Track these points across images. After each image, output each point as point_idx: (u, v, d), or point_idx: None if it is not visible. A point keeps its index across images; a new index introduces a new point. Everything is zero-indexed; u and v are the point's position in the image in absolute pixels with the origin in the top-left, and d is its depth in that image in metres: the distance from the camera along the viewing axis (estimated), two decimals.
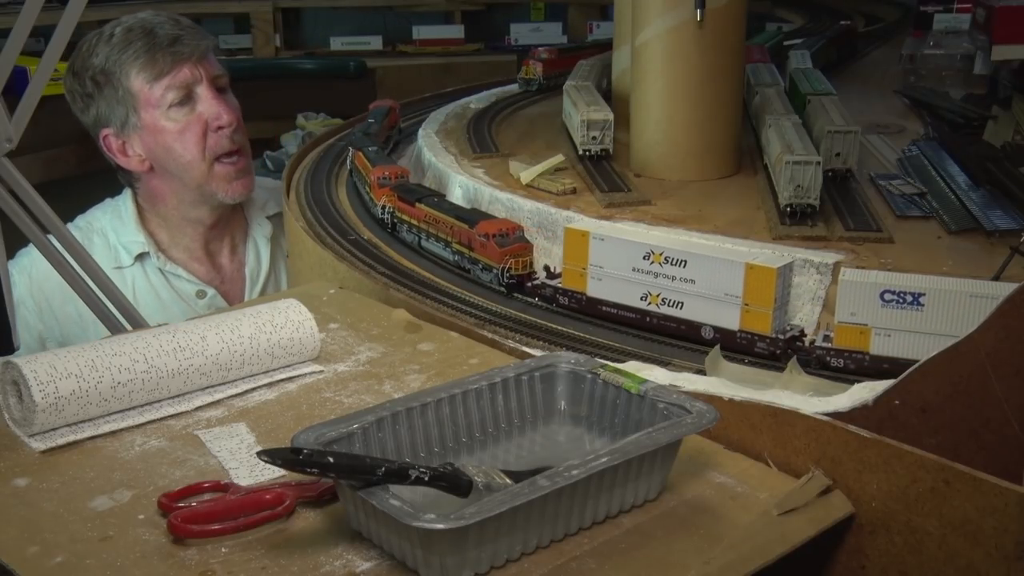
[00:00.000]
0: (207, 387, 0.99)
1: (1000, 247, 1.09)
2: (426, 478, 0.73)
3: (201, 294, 1.78)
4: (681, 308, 1.07)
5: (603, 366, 0.90)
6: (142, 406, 0.95)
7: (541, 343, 1.06)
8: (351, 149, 1.59)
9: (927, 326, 0.94)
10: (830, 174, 1.30)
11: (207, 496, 0.81)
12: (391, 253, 1.34)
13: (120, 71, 1.67)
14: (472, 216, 1.25)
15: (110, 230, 1.78)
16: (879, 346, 0.96)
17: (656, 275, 1.08)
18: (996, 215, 1.19)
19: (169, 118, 1.68)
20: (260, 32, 3.66)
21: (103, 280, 1.34)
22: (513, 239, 1.20)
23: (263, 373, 1.02)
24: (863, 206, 1.24)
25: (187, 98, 1.68)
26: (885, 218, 1.22)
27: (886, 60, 2.36)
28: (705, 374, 0.97)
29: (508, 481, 0.75)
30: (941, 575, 0.79)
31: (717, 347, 1.01)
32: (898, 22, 2.85)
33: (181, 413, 0.95)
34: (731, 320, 1.04)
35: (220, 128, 1.69)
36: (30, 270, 1.70)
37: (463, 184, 1.41)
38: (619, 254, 1.11)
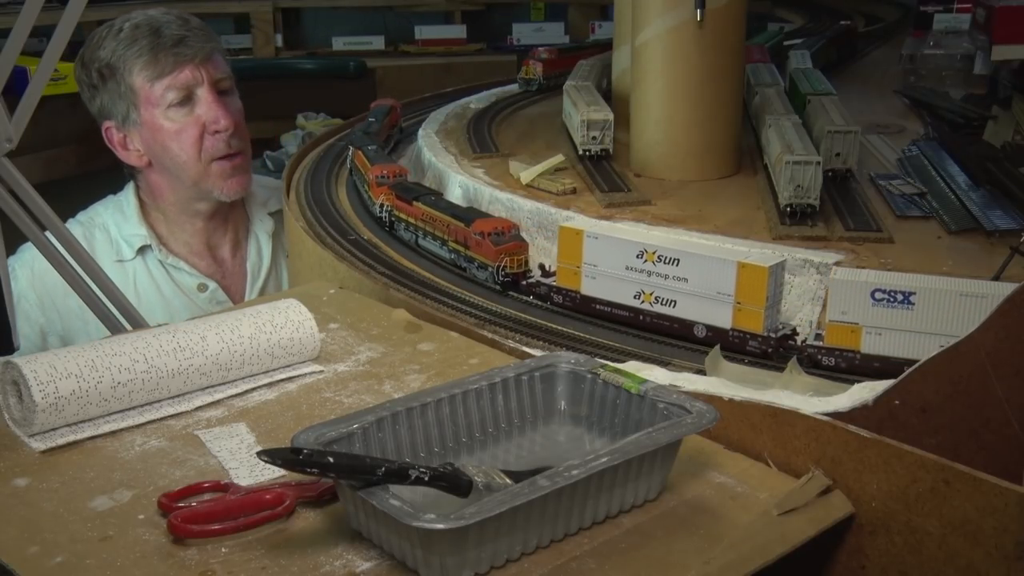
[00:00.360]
0: (207, 387, 0.99)
1: (1000, 247, 1.09)
2: (426, 478, 0.73)
3: (202, 287, 1.79)
4: (674, 307, 1.08)
5: (603, 366, 0.90)
6: (142, 406, 0.95)
7: (541, 343, 1.06)
8: (351, 148, 1.59)
9: (918, 325, 0.95)
10: (830, 174, 1.30)
11: (207, 496, 0.81)
12: (391, 253, 1.34)
13: (124, 67, 1.68)
14: (468, 215, 1.25)
15: (112, 224, 1.80)
16: (870, 345, 0.97)
17: (649, 273, 1.09)
18: (996, 215, 1.19)
19: (168, 118, 1.69)
20: (260, 32, 3.66)
21: (103, 279, 1.34)
22: (508, 237, 1.20)
23: (263, 373, 1.02)
24: (863, 206, 1.24)
25: (187, 99, 1.69)
26: (885, 218, 1.22)
27: (886, 60, 2.36)
28: (705, 374, 0.97)
29: (508, 481, 0.75)
30: (941, 575, 0.79)
31: (717, 347, 1.01)
32: (898, 22, 2.85)
33: (181, 413, 0.95)
34: (723, 319, 1.04)
35: (217, 132, 1.70)
36: (32, 264, 1.71)
37: (463, 184, 1.41)
38: (613, 252, 1.11)
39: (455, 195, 1.41)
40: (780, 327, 1.04)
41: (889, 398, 0.85)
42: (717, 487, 0.84)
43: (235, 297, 1.82)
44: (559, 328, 1.12)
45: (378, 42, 3.77)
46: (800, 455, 0.85)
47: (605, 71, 1.74)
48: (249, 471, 0.85)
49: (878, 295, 0.95)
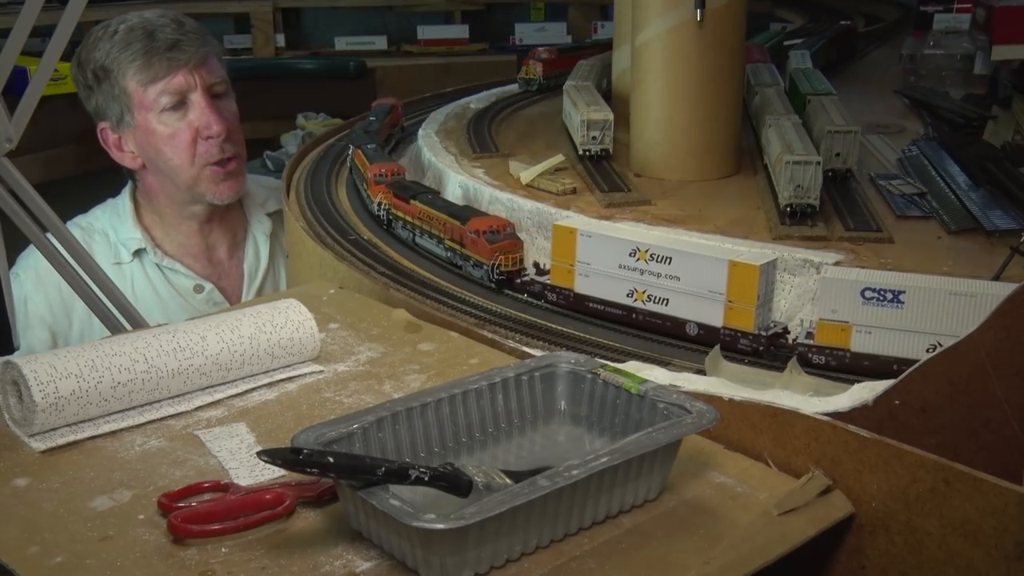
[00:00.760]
0: (207, 387, 0.99)
1: (1000, 247, 1.09)
2: (426, 478, 0.73)
3: (199, 288, 1.79)
4: (666, 305, 1.08)
5: (603, 366, 0.90)
6: (142, 406, 0.95)
7: (541, 343, 1.07)
8: (351, 146, 1.60)
9: (907, 324, 0.95)
10: (830, 174, 1.30)
11: (207, 496, 0.81)
12: (391, 253, 1.34)
13: (118, 69, 1.68)
14: (464, 213, 1.26)
15: (109, 228, 1.80)
16: (860, 343, 0.97)
17: (642, 272, 1.09)
18: (996, 215, 1.19)
19: (161, 122, 1.69)
20: (260, 32, 3.66)
21: (103, 280, 1.34)
22: (503, 236, 1.21)
23: (263, 373, 1.02)
24: (863, 206, 1.24)
25: (180, 104, 1.69)
26: (885, 218, 1.22)
27: (886, 60, 2.36)
28: (705, 374, 0.97)
29: (508, 481, 0.75)
30: (941, 575, 0.79)
31: (717, 347, 1.01)
32: (898, 22, 2.85)
33: (181, 413, 0.95)
34: (715, 317, 1.05)
35: (210, 137, 1.70)
36: (36, 267, 1.71)
37: (463, 184, 1.41)
38: (606, 251, 1.12)
39: (455, 195, 1.41)
40: (771, 325, 1.05)
41: (889, 398, 0.85)
42: (717, 487, 0.84)
43: (232, 298, 1.82)
44: (559, 328, 1.12)
45: (381, 42, 3.77)
46: (800, 455, 0.85)
47: (605, 71, 1.74)
48: (249, 471, 0.85)
49: (868, 294, 0.96)
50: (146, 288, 1.77)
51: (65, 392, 0.89)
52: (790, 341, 1.03)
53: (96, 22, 1.77)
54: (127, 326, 1.37)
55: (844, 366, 0.98)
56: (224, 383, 1.00)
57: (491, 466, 0.78)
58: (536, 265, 1.23)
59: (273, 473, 0.84)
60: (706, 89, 1.34)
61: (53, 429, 0.90)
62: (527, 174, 1.38)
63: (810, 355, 0.99)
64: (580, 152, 1.45)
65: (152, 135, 1.70)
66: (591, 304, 1.14)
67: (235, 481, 0.83)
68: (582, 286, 1.14)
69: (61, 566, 0.73)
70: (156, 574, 0.72)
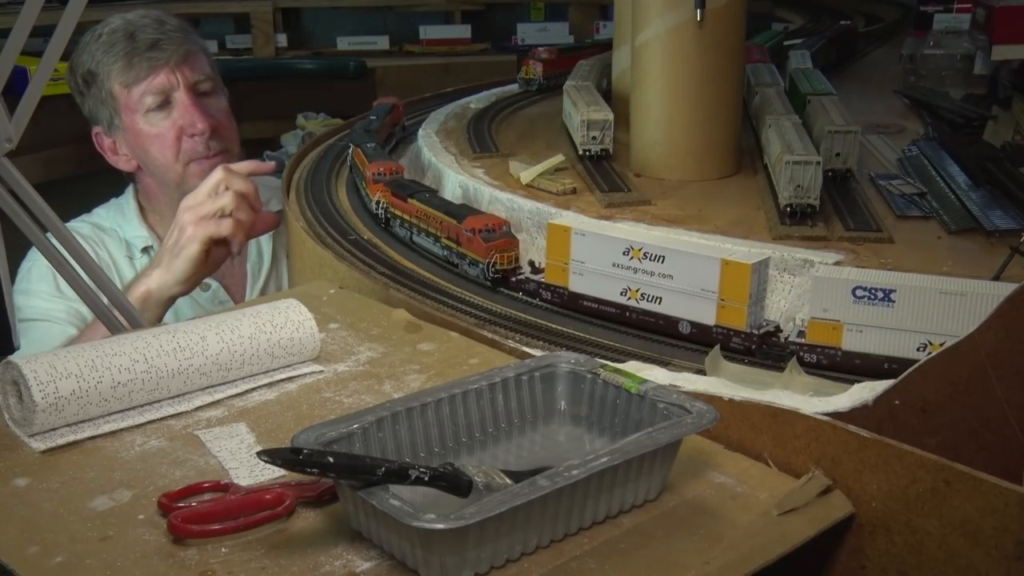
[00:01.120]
0: (207, 387, 0.99)
1: (1000, 247, 1.09)
2: (426, 478, 0.73)
3: (204, 286, 1.79)
4: (659, 303, 1.08)
5: (603, 366, 0.90)
6: (142, 406, 0.95)
7: (540, 343, 1.07)
8: (351, 145, 1.60)
9: (898, 322, 0.95)
10: (830, 174, 1.30)
11: (207, 496, 0.81)
12: (391, 253, 1.34)
13: (103, 73, 1.69)
14: (460, 211, 1.26)
15: (116, 227, 1.82)
16: (851, 342, 0.97)
17: (635, 270, 1.09)
18: (996, 215, 1.19)
19: (147, 122, 1.70)
20: (260, 32, 3.66)
21: (102, 279, 1.34)
22: (499, 234, 1.21)
23: (263, 373, 1.02)
24: (863, 206, 1.24)
25: (165, 103, 1.70)
26: (885, 218, 1.22)
27: (886, 60, 2.36)
28: (705, 374, 0.97)
29: (508, 481, 0.75)
30: (941, 575, 0.79)
31: (717, 347, 1.01)
32: (898, 22, 2.85)
33: (181, 413, 0.95)
34: (707, 315, 1.05)
35: (194, 135, 1.70)
36: (42, 261, 1.71)
37: (463, 184, 1.41)
38: (600, 249, 1.12)
39: (455, 195, 1.41)
40: (764, 324, 1.05)
41: (889, 398, 0.85)
42: (717, 487, 0.84)
43: (236, 297, 1.83)
44: (559, 328, 1.12)
45: (383, 42, 3.77)
46: (800, 455, 0.85)
47: (605, 71, 1.74)
48: (249, 471, 0.85)
49: (859, 292, 0.96)
50: None
51: (65, 392, 0.89)
52: (782, 340, 1.04)
53: (96, 22, 1.77)
54: (127, 327, 1.37)
55: (835, 364, 0.98)
56: (224, 383, 1.00)
57: (491, 466, 0.78)
58: (532, 263, 1.24)
59: (273, 473, 0.84)
60: (706, 89, 1.34)
61: (53, 429, 0.90)
62: (527, 174, 1.38)
63: (801, 353, 0.99)
64: (580, 152, 1.45)
65: (139, 136, 1.71)
66: (585, 302, 1.14)
67: (235, 481, 0.83)
68: (576, 284, 1.15)
69: (61, 566, 0.73)
70: (156, 574, 0.72)
